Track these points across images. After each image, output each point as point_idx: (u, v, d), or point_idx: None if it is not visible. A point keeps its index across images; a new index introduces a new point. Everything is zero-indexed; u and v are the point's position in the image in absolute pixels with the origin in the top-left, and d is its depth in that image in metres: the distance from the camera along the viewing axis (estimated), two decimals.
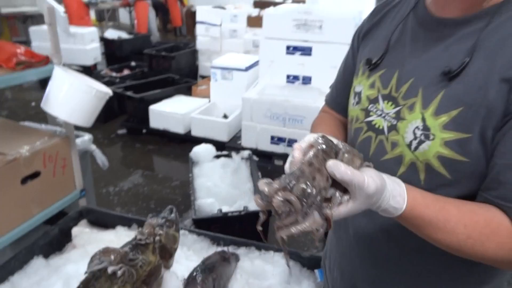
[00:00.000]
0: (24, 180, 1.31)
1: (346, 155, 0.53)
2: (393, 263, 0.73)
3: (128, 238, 0.91)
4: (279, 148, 3.23)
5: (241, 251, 1.22)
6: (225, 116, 3.73)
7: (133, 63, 5.44)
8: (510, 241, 0.56)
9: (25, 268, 1.11)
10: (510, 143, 0.55)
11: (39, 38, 5.02)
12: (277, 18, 3.21)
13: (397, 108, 0.66)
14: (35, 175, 1.35)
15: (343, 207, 0.51)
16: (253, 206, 2.14)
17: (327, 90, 0.96)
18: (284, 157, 3.22)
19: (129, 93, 3.83)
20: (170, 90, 4.13)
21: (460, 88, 0.58)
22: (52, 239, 1.26)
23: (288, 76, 3.33)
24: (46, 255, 1.19)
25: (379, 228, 0.72)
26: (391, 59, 0.71)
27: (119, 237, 1.29)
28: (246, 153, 2.62)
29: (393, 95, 0.68)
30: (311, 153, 0.51)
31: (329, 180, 0.50)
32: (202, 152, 2.55)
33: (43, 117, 4.45)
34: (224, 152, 2.64)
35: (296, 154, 0.53)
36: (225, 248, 1.19)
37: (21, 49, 1.27)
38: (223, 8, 5.51)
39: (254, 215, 2.05)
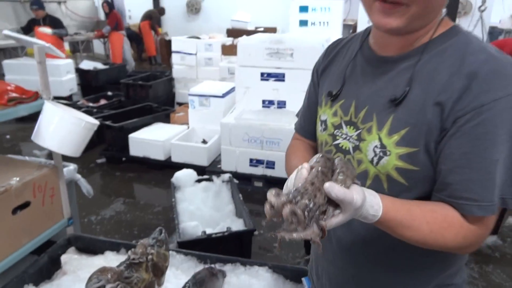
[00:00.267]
0: (14, 211, 1.34)
1: (340, 176, 0.63)
2: (371, 261, 0.85)
3: (117, 262, 0.96)
4: (258, 170, 3.34)
5: (227, 267, 1.28)
6: (204, 141, 3.80)
7: (109, 93, 5.47)
8: (463, 230, 0.68)
9: None
10: (449, 152, 0.68)
11: (13, 72, 5.02)
12: (251, 48, 3.37)
13: (358, 131, 0.79)
14: (25, 205, 1.38)
15: (334, 219, 0.61)
16: (235, 227, 2.22)
17: None
18: (263, 178, 3.33)
19: (108, 122, 3.86)
20: (149, 118, 4.19)
21: (405, 112, 0.72)
22: (42, 267, 1.26)
23: (263, 101, 3.46)
24: (37, 283, 1.21)
25: (356, 234, 0.83)
26: (348, 91, 0.84)
27: (108, 262, 1.30)
28: (226, 176, 2.70)
29: (353, 120, 0.81)
30: (313, 172, 0.63)
31: (325, 198, 0.61)
32: (183, 177, 2.61)
33: (19, 149, 4.41)
34: (205, 176, 2.71)
35: (304, 172, 0.64)
36: (212, 265, 1.26)
37: (11, 86, 1.34)
38: (197, 38, 5.69)
39: (237, 235, 2.12)
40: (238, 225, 2.28)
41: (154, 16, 9.18)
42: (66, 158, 1.56)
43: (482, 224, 0.69)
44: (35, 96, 1.37)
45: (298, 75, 3.22)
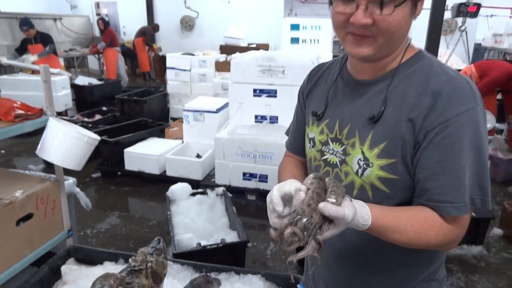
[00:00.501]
0: (18, 222, 1.39)
1: (331, 195, 0.72)
2: (363, 263, 0.94)
3: (116, 272, 1.01)
4: (251, 184, 3.41)
5: (222, 276, 1.34)
6: (198, 156, 3.87)
7: (104, 108, 5.53)
8: (442, 229, 0.78)
9: None
10: (424, 162, 0.78)
11: (9, 88, 5.08)
12: (243, 65, 3.48)
13: (343, 147, 0.89)
14: (28, 217, 1.43)
15: (329, 232, 0.70)
16: (229, 239, 2.28)
17: None
18: (256, 192, 3.40)
19: (103, 137, 3.92)
20: (144, 133, 4.25)
21: (382, 128, 0.82)
22: (43, 277, 1.30)
23: (256, 116, 3.56)
24: None
25: (348, 240, 0.92)
26: (332, 111, 0.94)
27: (107, 272, 1.37)
28: (220, 189, 2.77)
29: (338, 137, 0.90)
30: (309, 194, 0.72)
31: (321, 216, 0.70)
32: (178, 190, 2.67)
33: (13, 164, 4.42)
34: (200, 190, 2.78)
35: (301, 195, 0.72)
36: (208, 274, 1.32)
37: (17, 103, 1.42)
38: (192, 54, 5.81)
39: (231, 247, 2.18)
40: (232, 237, 2.34)
41: (148, 33, 9.32)
42: (64, 172, 1.62)
43: (458, 223, 0.79)
44: (40, 112, 1.44)
45: (289, 91, 3.32)
